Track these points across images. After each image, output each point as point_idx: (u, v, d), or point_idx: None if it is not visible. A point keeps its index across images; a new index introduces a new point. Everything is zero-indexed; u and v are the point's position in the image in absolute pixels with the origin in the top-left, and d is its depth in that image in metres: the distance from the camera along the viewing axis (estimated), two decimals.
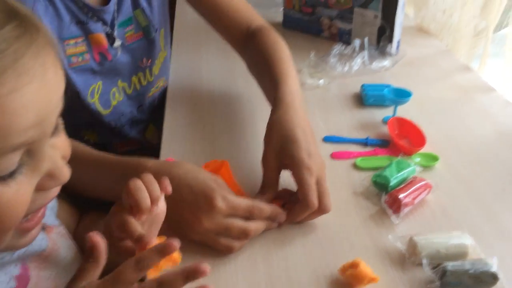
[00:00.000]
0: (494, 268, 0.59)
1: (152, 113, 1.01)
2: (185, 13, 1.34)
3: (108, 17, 0.84)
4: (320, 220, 0.70)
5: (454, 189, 0.76)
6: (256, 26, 0.94)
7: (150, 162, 0.67)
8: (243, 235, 0.63)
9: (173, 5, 1.38)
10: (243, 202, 0.64)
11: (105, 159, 0.71)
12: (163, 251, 0.46)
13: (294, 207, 0.67)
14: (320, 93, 1.04)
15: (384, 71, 1.12)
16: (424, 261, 0.61)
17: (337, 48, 1.14)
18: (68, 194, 0.64)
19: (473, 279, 0.59)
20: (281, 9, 1.34)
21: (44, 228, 0.57)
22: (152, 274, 0.48)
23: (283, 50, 0.87)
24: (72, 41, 0.79)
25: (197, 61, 1.17)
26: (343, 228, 0.69)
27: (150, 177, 0.55)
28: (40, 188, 0.42)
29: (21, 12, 0.38)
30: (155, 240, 0.51)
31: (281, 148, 0.68)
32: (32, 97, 0.37)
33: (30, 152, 0.40)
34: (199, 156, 0.83)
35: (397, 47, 1.19)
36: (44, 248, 0.55)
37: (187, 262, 0.62)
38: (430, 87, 1.06)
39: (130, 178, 0.54)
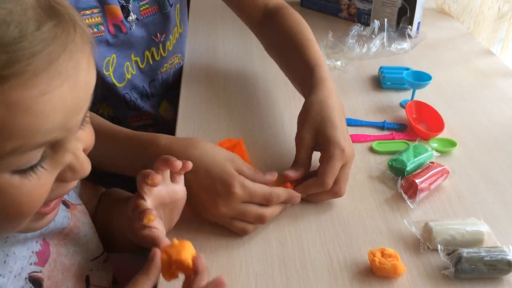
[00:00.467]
0: (510, 256, 0.59)
1: (166, 90, 1.00)
2: None
3: None
4: (335, 203, 0.70)
5: (471, 176, 0.76)
6: (273, 4, 0.92)
7: (164, 139, 0.65)
8: (259, 220, 0.64)
9: None
10: (261, 189, 0.63)
11: (119, 132, 0.70)
12: None
13: (308, 180, 0.67)
14: (337, 74, 1.02)
15: (403, 53, 1.10)
16: (439, 247, 0.61)
17: (356, 29, 1.12)
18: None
19: (488, 267, 0.58)
20: None
21: (68, 205, 0.58)
22: (167, 278, 0.49)
23: (308, 31, 0.85)
24: (88, 12, 0.79)
25: (214, 40, 1.15)
26: (358, 212, 0.69)
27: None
28: (60, 180, 0.42)
29: (60, 10, 0.37)
30: (167, 241, 0.50)
31: (317, 129, 0.69)
32: (62, 100, 0.37)
33: (54, 146, 0.40)
34: (214, 134, 0.83)
35: (417, 29, 1.16)
36: (65, 226, 0.56)
37: (201, 241, 0.64)
38: (450, 71, 1.04)
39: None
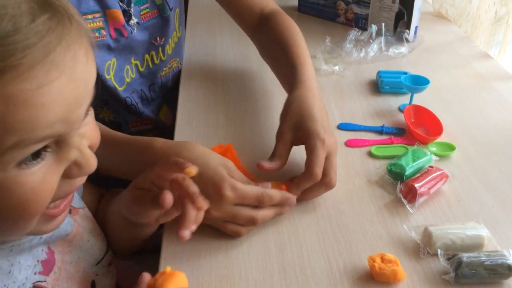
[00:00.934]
0: (510, 260, 0.58)
1: (165, 94, 1.01)
2: None
3: None
4: (334, 208, 0.70)
5: (470, 179, 0.75)
6: (269, 10, 0.94)
7: (159, 142, 0.67)
8: (250, 223, 0.64)
9: None
10: (252, 191, 0.63)
11: (116, 137, 0.71)
12: None
13: (298, 176, 0.68)
14: (335, 79, 1.02)
15: (401, 57, 1.10)
16: (439, 252, 0.60)
17: (353, 33, 1.12)
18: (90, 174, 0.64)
19: (489, 271, 0.58)
20: None
21: (70, 210, 0.57)
22: None
23: (298, 34, 0.88)
24: (90, 16, 0.79)
25: (211, 44, 1.16)
26: (357, 217, 0.69)
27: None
28: (66, 176, 0.42)
29: (54, 3, 0.37)
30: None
31: (297, 123, 0.70)
32: (60, 92, 0.37)
33: (58, 141, 0.40)
34: (212, 138, 0.83)
35: (415, 33, 1.16)
36: (69, 232, 0.55)
37: (199, 248, 0.63)
38: (448, 75, 1.04)
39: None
